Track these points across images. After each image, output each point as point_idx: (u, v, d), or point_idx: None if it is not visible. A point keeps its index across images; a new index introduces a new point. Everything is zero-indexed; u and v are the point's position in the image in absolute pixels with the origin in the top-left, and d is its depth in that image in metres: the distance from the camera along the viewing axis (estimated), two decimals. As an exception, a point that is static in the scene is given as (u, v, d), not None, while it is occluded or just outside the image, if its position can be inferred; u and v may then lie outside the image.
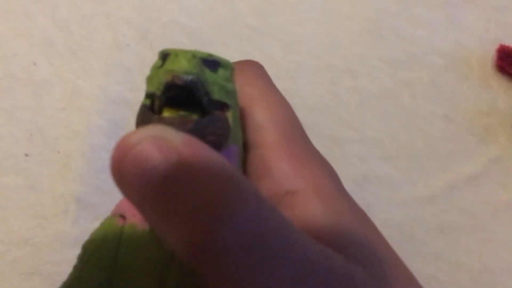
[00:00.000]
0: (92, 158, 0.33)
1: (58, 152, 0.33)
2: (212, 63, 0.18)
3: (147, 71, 0.36)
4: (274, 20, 0.38)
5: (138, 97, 0.36)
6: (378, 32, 0.38)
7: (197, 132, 0.16)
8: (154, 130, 0.14)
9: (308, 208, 0.18)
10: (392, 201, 0.34)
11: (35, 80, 0.34)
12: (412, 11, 0.39)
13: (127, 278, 0.17)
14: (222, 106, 0.18)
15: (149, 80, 0.18)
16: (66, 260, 0.31)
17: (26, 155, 0.33)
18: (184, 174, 0.13)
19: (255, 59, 0.37)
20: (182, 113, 0.17)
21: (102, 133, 0.33)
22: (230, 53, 0.37)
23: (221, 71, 0.18)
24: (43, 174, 0.32)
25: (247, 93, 0.20)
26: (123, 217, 0.19)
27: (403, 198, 0.34)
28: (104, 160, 0.33)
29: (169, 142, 0.14)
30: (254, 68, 0.22)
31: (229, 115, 0.18)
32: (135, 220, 0.18)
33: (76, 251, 0.32)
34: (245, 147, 0.20)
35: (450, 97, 0.36)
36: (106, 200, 0.32)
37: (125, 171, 0.14)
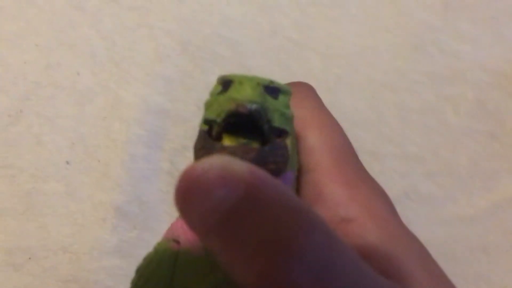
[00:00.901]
0: (131, 167, 0.33)
1: (99, 161, 0.33)
2: (273, 89, 0.18)
3: (187, 82, 0.37)
4: (314, 33, 0.38)
5: (178, 108, 0.36)
6: (420, 47, 0.37)
7: (260, 160, 0.16)
8: (220, 160, 0.14)
9: (365, 237, 0.18)
10: (434, 219, 0.33)
11: (77, 89, 0.35)
12: (457, 25, 0.38)
13: None
14: (281, 133, 0.18)
15: (209, 106, 0.18)
16: (104, 268, 0.32)
17: (67, 163, 0.33)
18: (251, 206, 0.13)
19: (294, 72, 0.37)
20: (242, 140, 0.17)
21: (142, 143, 0.34)
22: (269, 66, 0.37)
23: (281, 98, 0.18)
24: (83, 182, 0.33)
25: (299, 115, 0.20)
26: (177, 241, 0.19)
27: (445, 216, 0.33)
28: (143, 170, 0.33)
29: (235, 173, 0.13)
30: (305, 90, 0.22)
31: (288, 141, 0.18)
32: (190, 245, 0.18)
33: (114, 260, 0.32)
34: (298, 170, 0.20)
35: (496, 114, 0.36)
36: (144, 210, 0.33)
37: (191, 201, 0.14)
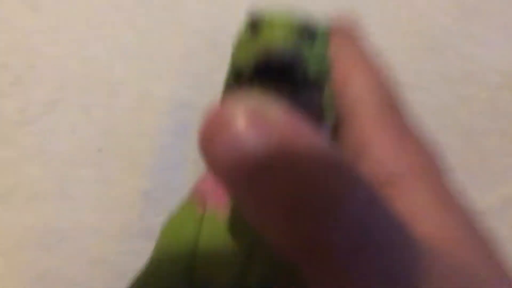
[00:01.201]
0: (160, 156, 0.35)
1: (129, 149, 0.35)
2: (309, 32, 0.15)
3: (214, 77, 0.38)
4: (334, 34, 0.39)
5: (204, 101, 0.38)
6: (436, 49, 0.39)
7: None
8: (251, 102, 0.12)
9: (415, 200, 0.16)
10: (446, 212, 0.34)
11: (110, 81, 0.36)
12: (471, 29, 0.39)
13: (207, 271, 0.16)
14: (316, 82, 0.15)
15: (237, 50, 0.16)
16: (132, 251, 0.33)
17: (100, 150, 0.35)
18: (285, 157, 0.11)
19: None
20: (272, 90, 0.14)
21: (170, 133, 0.35)
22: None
23: (318, 42, 0.16)
24: (113, 168, 0.34)
25: (341, 59, 0.18)
26: (203, 204, 0.18)
27: (457, 210, 0.34)
28: (171, 158, 0.35)
29: (268, 117, 0.11)
30: (348, 32, 0.20)
31: (324, 92, 0.16)
32: (216, 207, 0.17)
33: (141, 243, 0.34)
34: (337, 120, 0.18)
35: (507, 113, 0.37)
36: (172, 196, 0.34)
37: (217, 151, 0.11)
